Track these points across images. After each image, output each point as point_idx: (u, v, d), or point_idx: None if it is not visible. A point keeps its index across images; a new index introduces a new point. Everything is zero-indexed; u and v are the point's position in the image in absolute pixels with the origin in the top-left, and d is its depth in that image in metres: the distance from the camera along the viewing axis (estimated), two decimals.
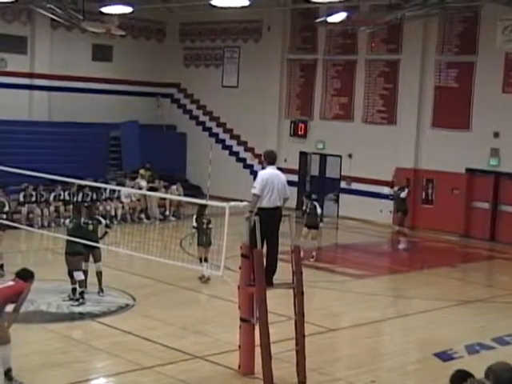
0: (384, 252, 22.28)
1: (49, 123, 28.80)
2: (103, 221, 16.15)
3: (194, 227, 17.44)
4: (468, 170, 24.59)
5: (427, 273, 19.51)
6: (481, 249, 23.17)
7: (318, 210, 19.80)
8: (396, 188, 23.55)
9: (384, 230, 24.03)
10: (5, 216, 17.37)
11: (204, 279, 16.81)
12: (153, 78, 31.92)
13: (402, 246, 22.76)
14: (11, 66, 28.35)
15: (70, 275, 14.79)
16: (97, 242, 15.28)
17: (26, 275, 10.71)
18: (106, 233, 15.93)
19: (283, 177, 11.21)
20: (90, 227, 15.29)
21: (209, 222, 17.28)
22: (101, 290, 15.34)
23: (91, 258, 15.34)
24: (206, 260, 16.93)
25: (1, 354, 10.20)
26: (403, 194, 22.97)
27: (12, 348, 10.27)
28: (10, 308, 10.42)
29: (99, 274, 15.36)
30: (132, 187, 25.22)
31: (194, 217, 17.63)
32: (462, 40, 24.78)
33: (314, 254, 19.77)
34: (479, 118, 24.32)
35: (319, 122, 28.33)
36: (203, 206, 17.26)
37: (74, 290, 14.73)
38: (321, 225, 20.01)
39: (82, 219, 15.30)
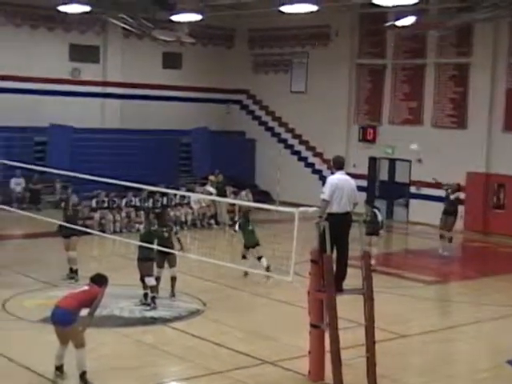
0: (454, 258, 21.94)
1: (120, 130, 29.32)
2: (174, 227, 16.35)
3: (234, 231, 18.62)
4: None
5: (499, 279, 19.17)
6: None
7: (379, 217, 19.36)
8: (449, 190, 22.63)
9: (455, 235, 23.65)
10: (80, 222, 17.70)
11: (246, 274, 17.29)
12: (222, 84, 32.20)
13: (445, 252, 21.67)
14: (84, 75, 29.01)
15: (142, 280, 15.03)
16: (172, 248, 15.41)
17: (100, 280, 10.95)
18: (178, 240, 16.04)
19: (352, 182, 11.21)
20: (166, 234, 15.48)
21: (248, 223, 18.07)
22: (173, 294, 15.54)
23: (166, 264, 15.52)
24: (261, 257, 17.53)
25: (76, 357, 10.46)
26: (453, 196, 22.22)
27: (86, 351, 10.52)
28: (84, 312, 10.67)
29: (174, 280, 15.58)
30: (201, 193, 25.45)
31: (238, 222, 18.67)
32: None
33: (373, 262, 18.78)
34: None
35: (388, 127, 28.17)
36: (248, 211, 18.55)
37: (145, 295, 14.96)
38: (381, 232, 19.46)
39: (153, 226, 15.53)
